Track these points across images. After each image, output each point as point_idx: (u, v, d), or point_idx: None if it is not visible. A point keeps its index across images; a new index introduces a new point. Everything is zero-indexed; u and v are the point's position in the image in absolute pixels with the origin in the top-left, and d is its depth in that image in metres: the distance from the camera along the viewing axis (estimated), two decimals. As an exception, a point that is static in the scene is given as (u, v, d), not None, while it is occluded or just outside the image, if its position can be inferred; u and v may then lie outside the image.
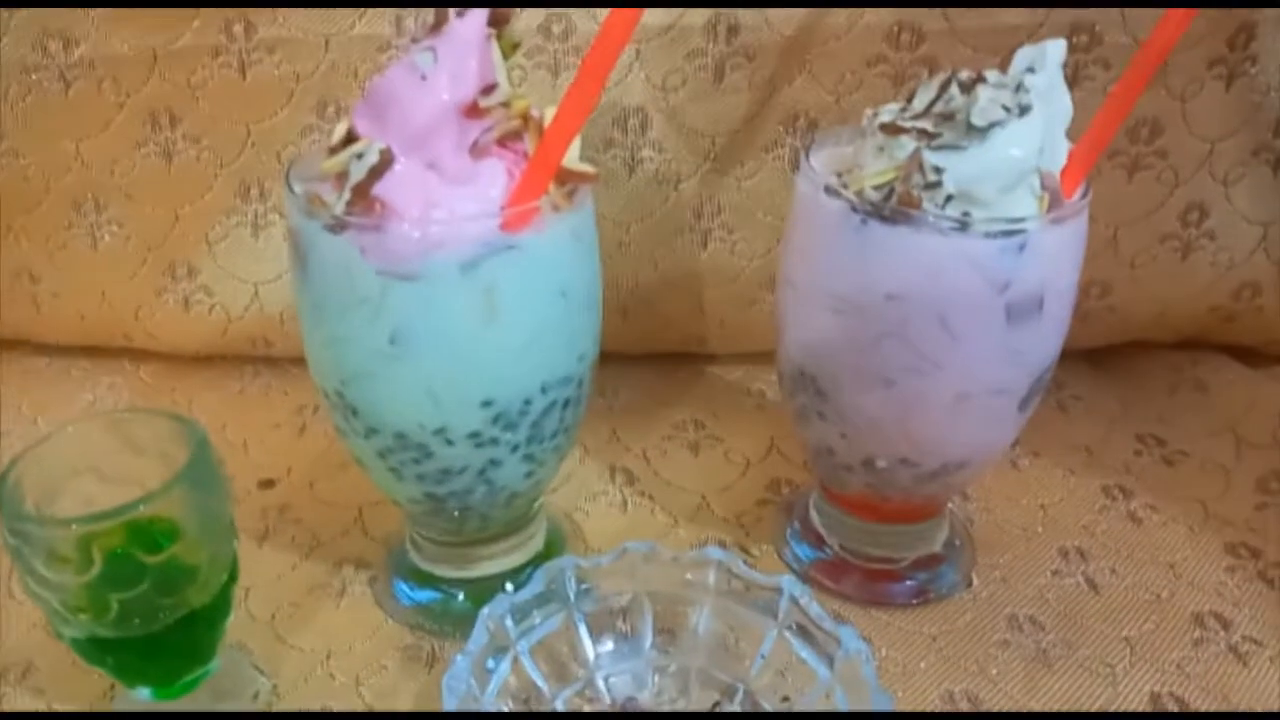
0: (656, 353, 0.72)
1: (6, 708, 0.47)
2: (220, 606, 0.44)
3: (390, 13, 0.61)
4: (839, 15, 0.58)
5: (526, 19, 0.59)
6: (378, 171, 0.41)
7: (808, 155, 0.48)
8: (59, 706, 0.48)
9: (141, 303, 0.69)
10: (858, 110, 0.59)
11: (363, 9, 0.60)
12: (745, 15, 0.58)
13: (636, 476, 0.63)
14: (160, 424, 0.44)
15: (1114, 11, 0.57)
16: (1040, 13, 0.58)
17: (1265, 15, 0.59)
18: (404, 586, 0.54)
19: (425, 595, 0.54)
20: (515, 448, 0.46)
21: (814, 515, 0.57)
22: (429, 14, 0.58)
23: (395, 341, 0.42)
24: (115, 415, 0.45)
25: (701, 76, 0.60)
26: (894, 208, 0.43)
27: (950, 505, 0.58)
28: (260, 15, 0.60)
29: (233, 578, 0.45)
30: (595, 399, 0.68)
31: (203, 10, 0.59)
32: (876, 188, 0.44)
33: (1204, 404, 0.68)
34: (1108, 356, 0.72)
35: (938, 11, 0.57)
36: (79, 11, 0.58)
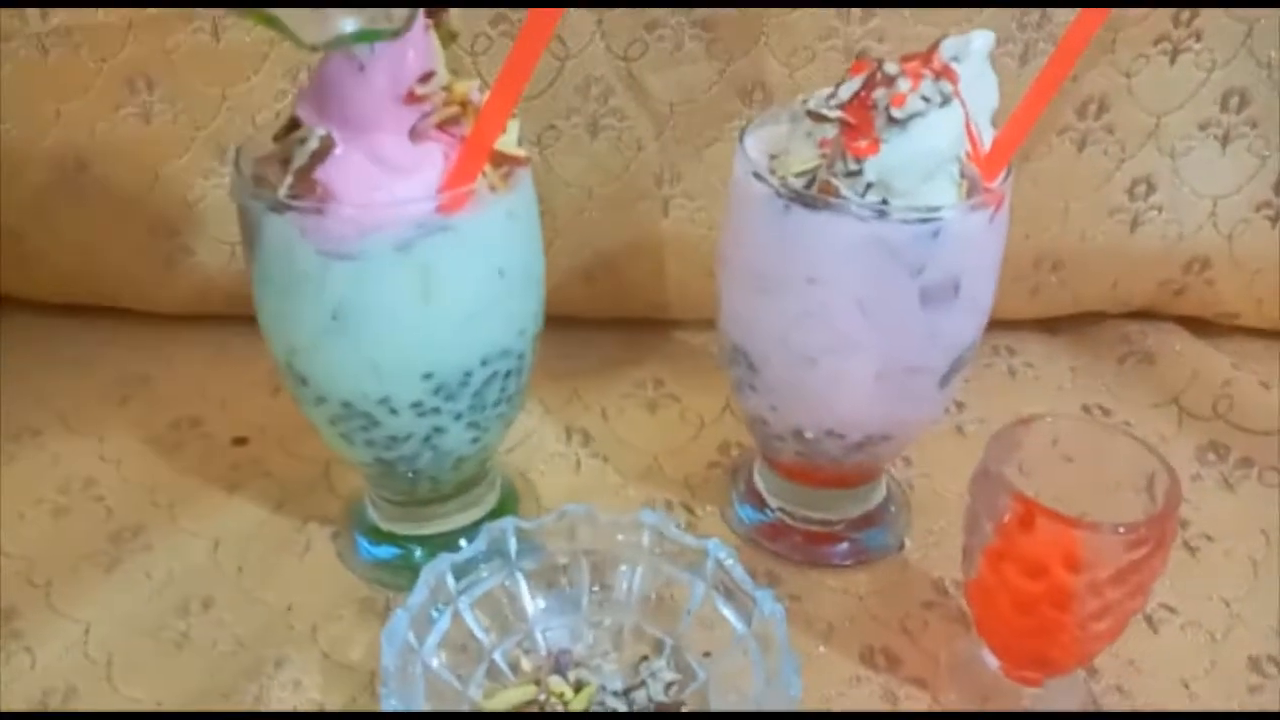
0: (621, 317, 0.74)
1: None
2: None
3: (360, -18, 0.62)
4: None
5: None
6: (319, 156, 0.43)
7: (743, 139, 0.49)
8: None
9: (125, 262, 0.72)
10: (810, 83, 0.60)
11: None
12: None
13: (593, 436, 0.65)
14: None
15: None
16: (989, -10, 0.58)
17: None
18: (364, 542, 0.57)
19: (384, 551, 0.57)
20: (458, 416, 0.49)
21: (757, 479, 0.60)
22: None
23: (337, 317, 0.45)
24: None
25: (661, 46, 0.62)
26: (815, 195, 0.45)
27: (890, 470, 0.61)
28: (232, -17, 0.62)
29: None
30: (557, 361, 0.71)
31: (176, -23, 0.61)
32: (800, 174, 0.46)
33: (1151, 375, 0.70)
34: (1061, 325, 0.74)
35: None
36: (53, -17, 0.60)
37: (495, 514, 0.58)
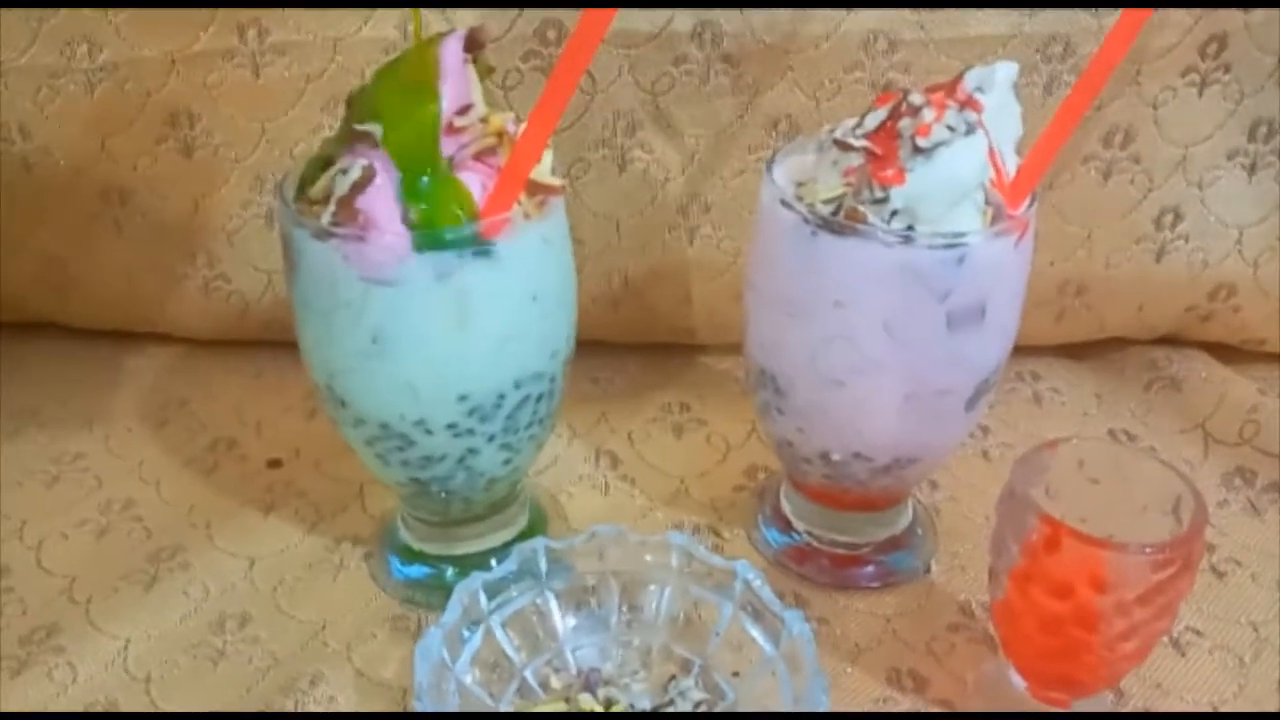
0: (647, 343, 0.75)
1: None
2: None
3: (396, 15, 0.64)
4: (818, 23, 0.60)
5: (521, 25, 0.62)
6: (360, 186, 0.44)
7: (770, 167, 0.50)
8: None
9: (164, 288, 0.74)
10: (837, 115, 0.61)
11: (370, 11, 0.64)
12: (729, 23, 0.60)
13: (620, 459, 0.66)
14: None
15: (1088, 22, 0.59)
16: (1014, 23, 0.60)
17: (1236, 25, 0.60)
18: (396, 562, 0.58)
19: (415, 571, 0.58)
20: (491, 438, 0.50)
21: (783, 502, 0.60)
22: (431, 18, 0.63)
23: (376, 341, 0.46)
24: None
25: (687, 81, 0.63)
26: (842, 221, 0.46)
27: (916, 494, 0.61)
28: (272, 18, 0.64)
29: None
30: (586, 385, 0.72)
31: (218, 14, 0.63)
32: (827, 201, 0.47)
33: (1177, 400, 0.70)
34: (1086, 351, 0.74)
35: (913, 20, 0.59)
36: (102, 19, 0.62)
37: (525, 535, 0.58)
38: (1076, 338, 0.73)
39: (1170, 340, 0.73)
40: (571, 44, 0.42)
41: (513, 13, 0.61)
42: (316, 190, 0.46)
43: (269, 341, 0.77)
